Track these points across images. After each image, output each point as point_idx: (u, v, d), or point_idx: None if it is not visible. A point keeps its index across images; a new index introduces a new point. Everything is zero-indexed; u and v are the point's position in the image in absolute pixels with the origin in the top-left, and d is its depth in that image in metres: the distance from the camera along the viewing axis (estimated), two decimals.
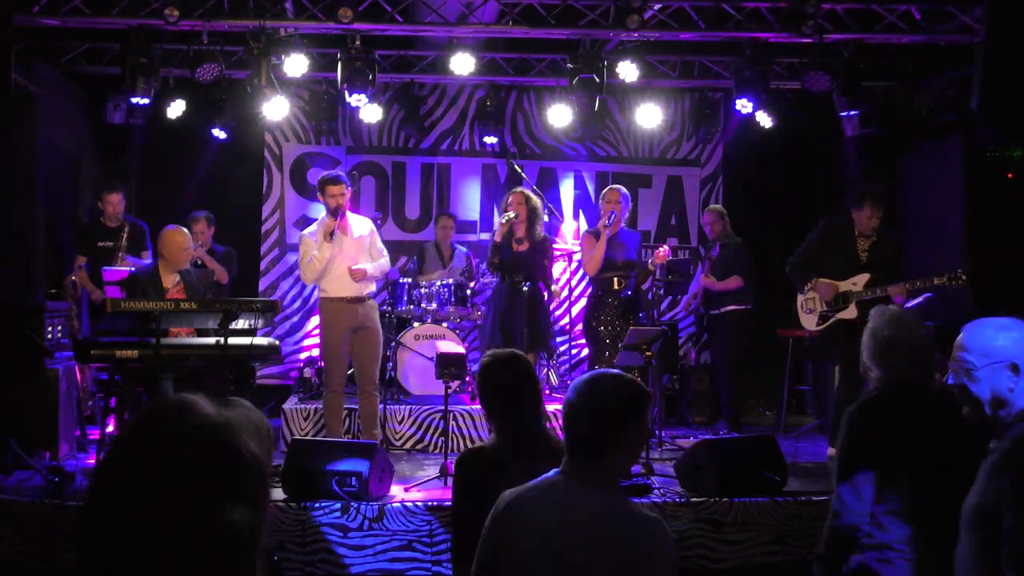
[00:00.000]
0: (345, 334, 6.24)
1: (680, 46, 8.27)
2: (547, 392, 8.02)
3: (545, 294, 7.14)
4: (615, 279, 6.64)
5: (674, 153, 9.52)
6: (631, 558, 2.21)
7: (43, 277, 6.97)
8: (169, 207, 8.24)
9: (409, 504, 5.08)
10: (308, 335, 8.98)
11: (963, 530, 2.33)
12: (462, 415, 6.91)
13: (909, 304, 6.61)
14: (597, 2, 7.18)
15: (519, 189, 7.07)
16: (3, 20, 6.46)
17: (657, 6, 7.13)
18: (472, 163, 9.35)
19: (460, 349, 7.11)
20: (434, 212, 9.21)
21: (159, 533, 1.07)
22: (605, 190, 6.91)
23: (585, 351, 8.39)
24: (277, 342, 6.11)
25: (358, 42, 7.05)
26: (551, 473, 2.38)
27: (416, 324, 7.52)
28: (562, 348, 8.73)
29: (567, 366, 8.76)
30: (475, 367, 7.81)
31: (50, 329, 6.38)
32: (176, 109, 8.05)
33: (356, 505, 4.96)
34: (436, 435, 6.89)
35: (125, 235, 7.30)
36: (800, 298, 6.57)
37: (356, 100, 7.24)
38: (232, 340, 5.36)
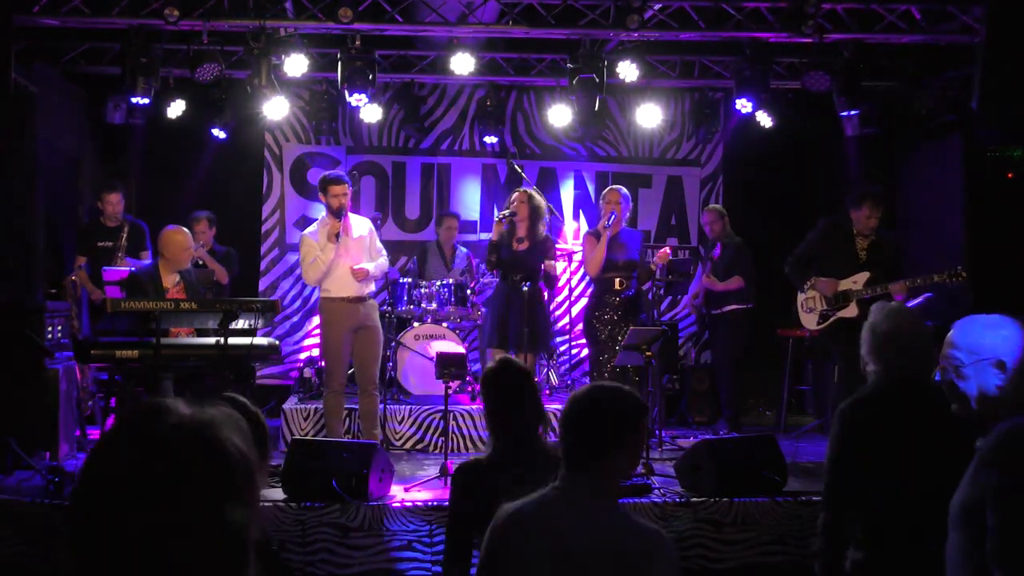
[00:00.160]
0: (346, 334, 6.24)
1: (680, 46, 8.26)
2: (547, 392, 8.02)
3: (545, 294, 7.14)
4: (616, 279, 6.64)
5: (674, 153, 9.52)
6: (633, 570, 2.21)
7: (43, 277, 6.97)
8: (169, 207, 8.24)
9: (409, 504, 5.08)
10: (308, 335, 8.98)
11: (951, 526, 2.34)
12: (462, 415, 6.91)
13: (910, 304, 6.61)
14: (597, 2, 7.18)
15: (522, 189, 7.07)
16: (3, 20, 6.46)
17: (657, 6, 7.13)
18: (472, 163, 9.35)
19: (460, 349, 7.13)
20: (434, 212, 9.21)
21: (147, 533, 1.06)
22: (605, 191, 6.91)
23: (585, 351, 8.39)
24: (277, 342, 6.12)
25: (358, 42, 7.05)
26: (550, 486, 2.38)
27: (416, 324, 7.52)
28: (562, 348, 8.73)
29: (567, 366, 8.76)
30: (475, 367, 7.88)
31: (50, 329, 6.38)
32: (176, 109, 8.05)
33: (356, 505, 4.96)
34: (436, 435, 6.89)
35: (125, 235, 7.31)
36: (800, 297, 6.57)
37: (356, 100, 7.24)
38: (232, 340, 5.36)
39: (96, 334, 6.11)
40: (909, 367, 2.97)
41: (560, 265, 8.99)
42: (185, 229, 6.19)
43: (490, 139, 9.01)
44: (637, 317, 6.72)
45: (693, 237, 9.45)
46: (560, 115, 8.37)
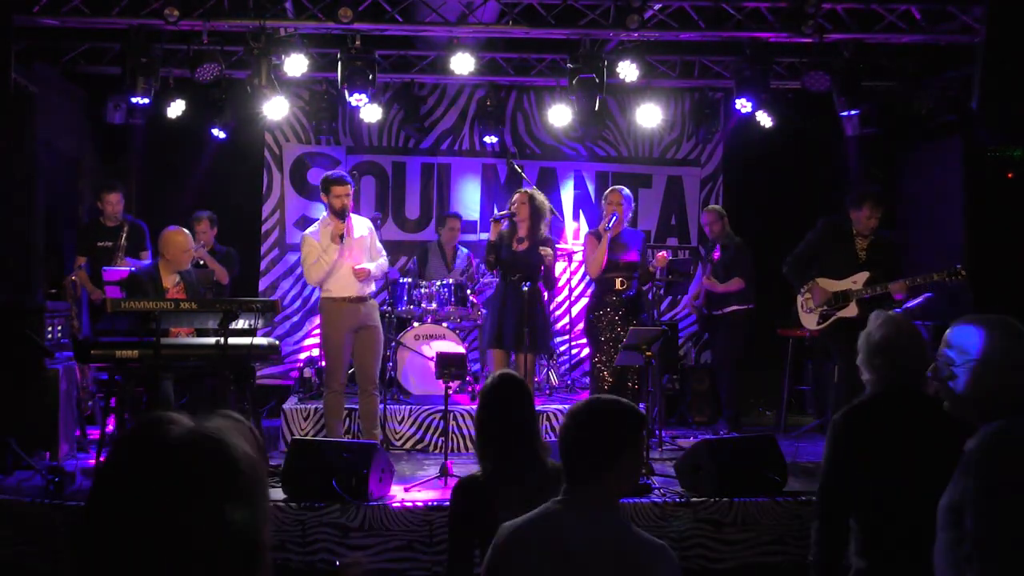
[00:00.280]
0: (347, 334, 6.24)
1: (680, 46, 8.26)
2: (547, 393, 8.02)
3: (545, 294, 7.13)
4: (618, 279, 6.64)
5: (674, 153, 9.52)
6: None
7: (43, 277, 6.97)
8: (169, 207, 8.25)
9: (409, 504, 5.08)
10: (308, 335, 8.98)
11: (938, 528, 2.35)
12: (462, 415, 6.91)
13: (910, 304, 6.61)
14: (597, 2, 7.18)
15: (524, 189, 7.05)
16: (3, 20, 6.46)
17: (657, 6, 7.13)
18: (472, 163, 9.35)
19: (460, 349, 7.13)
20: (434, 212, 9.22)
21: (161, 540, 1.07)
22: (607, 191, 6.90)
23: (585, 351, 8.39)
24: (277, 342, 6.12)
25: (358, 42, 7.05)
26: (551, 501, 2.37)
27: (416, 324, 7.52)
28: (562, 348, 8.73)
29: (567, 366, 8.76)
30: (475, 367, 7.88)
31: (50, 329, 6.38)
32: (176, 109, 8.05)
33: (356, 505, 4.96)
34: (436, 435, 6.89)
35: (124, 235, 7.31)
36: (800, 297, 6.57)
37: (356, 100, 7.24)
38: (232, 340, 5.36)
39: (96, 334, 6.11)
40: (902, 376, 2.96)
41: (560, 265, 9.01)
42: (185, 230, 6.19)
43: (490, 139, 9.01)
44: (638, 317, 6.71)
45: (693, 237, 9.45)
46: (560, 115, 8.37)
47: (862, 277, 6.24)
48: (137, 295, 5.76)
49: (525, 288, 6.62)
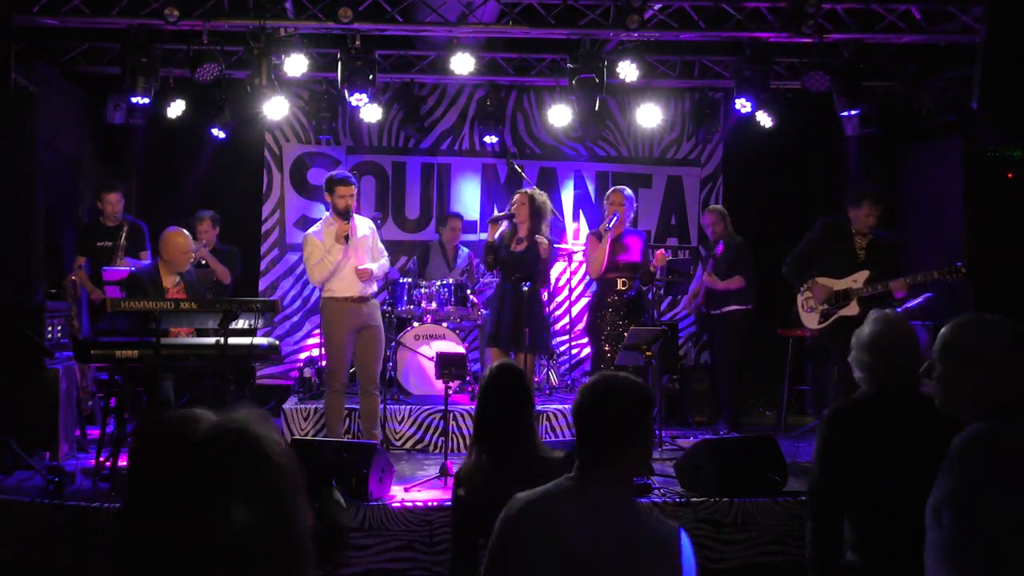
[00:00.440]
0: (349, 334, 6.24)
1: (680, 46, 8.26)
2: (547, 393, 8.02)
3: (545, 295, 7.12)
4: (619, 280, 6.63)
5: (674, 153, 9.52)
6: (647, 566, 2.19)
7: (43, 277, 6.96)
8: (169, 207, 8.25)
9: (409, 504, 5.08)
10: (308, 335, 8.98)
11: (927, 526, 2.36)
12: (462, 415, 6.91)
13: (910, 304, 6.62)
14: (597, 2, 7.18)
15: (524, 189, 7.04)
16: (3, 20, 6.45)
17: (657, 6, 7.13)
18: (472, 163, 9.35)
19: (460, 349, 7.14)
20: (434, 212, 9.22)
21: (203, 535, 1.07)
22: (609, 191, 6.88)
23: (585, 351, 8.39)
24: (277, 342, 6.11)
25: (358, 42, 7.05)
26: (564, 477, 2.35)
27: (416, 324, 7.52)
28: (562, 348, 8.73)
29: (567, 366, 8.76)
30: (475, 367, 7.88)
31: (50, 329, 6.38)
32: (176, 109, 8.05)
33: (356, 505, 4.96)
34: (436, 435, 6.89)
35: (124, 235, 7.31)
36: (800, 297, 6.57)
37: (356, 100, 7.24)
38: (232, 340, 5.36)
39: (96, 334, 6.10)
40: (893, 374, 2.96)
41: (560, 265, 9.01)
42: (185, 231, 6.18)
43: (490, 139, 9.01)
44: (640, 317, 6.71)
45: (693, 237, 9.45)
46: (560, 115, 8.38)
47: (862, 276, 6.25)
48: (137, 295, 5.76)
49: (525, 288, 6.61)
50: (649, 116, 8.46)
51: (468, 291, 7.67)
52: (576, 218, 9.41)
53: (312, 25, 7.11)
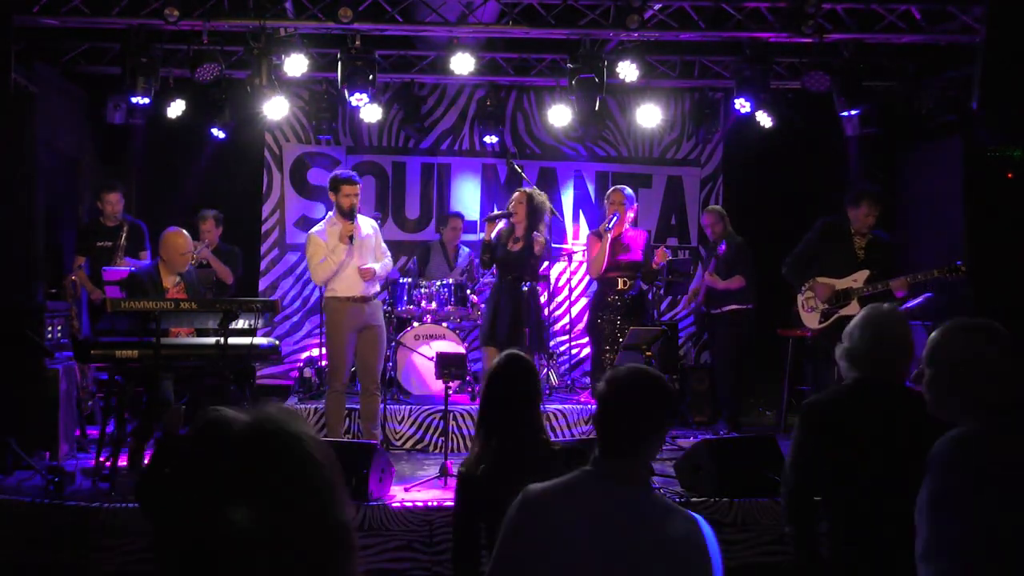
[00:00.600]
0: (351, 334, 6.24)
1: (680, 46, 8.26)
2: (547, 393, 8.02)
3: (544, 296, 7.12)
4: (619, 279, 6.63)
5: (674, 153, 9.52)
6: (677, 556, 2.18)
7: (43, 277, 6.96)
8: (169, 207, 8.25)
9: (409, 504, 5.08)
10: (308, 335, 8.98)
11: (916, 525, 2.37)
12: (462, 415, 6.91)
13: (910, 304, 6.62)
14: (597, 2, 7.18)
15: (523, 188, 7.04)
16: (3, 20, 6.45)
17: (657, 6, 7.13)
18: (472, 163, 9.35)
19: (460, 349, 7.13)
20: (434, 212, 9.22)
21: (252, 536, 1.07)
22: (609, 191, 6.88)
23: (586, 351, 8.39)
24: (277, 342, 6.12)
25: (358, 42, 7.05)
26: (580, 470, 2.33)
27: (416, 324, 7.52)
28: (562, 348, 8.73)
29: (567, 366, 8.75)
30: (475, 367, 7.87)
31: (50, 329, 6.38)
32: (176, 109, 8.05)
33: (356, 505, 4.96)
34: (436, 435, 6.89)
35: (124, 235, 7.31)
36: (800, 297, 6.57)
37: (356, 100, 7.24)
38: (232, 340, 5.36)
39: (96, 334, 6.11)
40: (872, 368, 2.94)
41: (560, 265, 9.01)
42: (185, 232, 6.18)
43: (490, 139, 9.01)
44: (641, 316, 6.70)
45: (693, 237, 9.45)
46: (560, 115, 8.37)
47: (862, 275, 6.26)
48: (137, 295, 5.76)
49: (525, 288, 6.62)
50: (649, 116, 8.46)
51: (468, 291, 7.67)
52: (576, 218, 9.41)
53: (312, 25, 7.11)
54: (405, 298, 7.54)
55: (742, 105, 7.53)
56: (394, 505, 5.06)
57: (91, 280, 7.17)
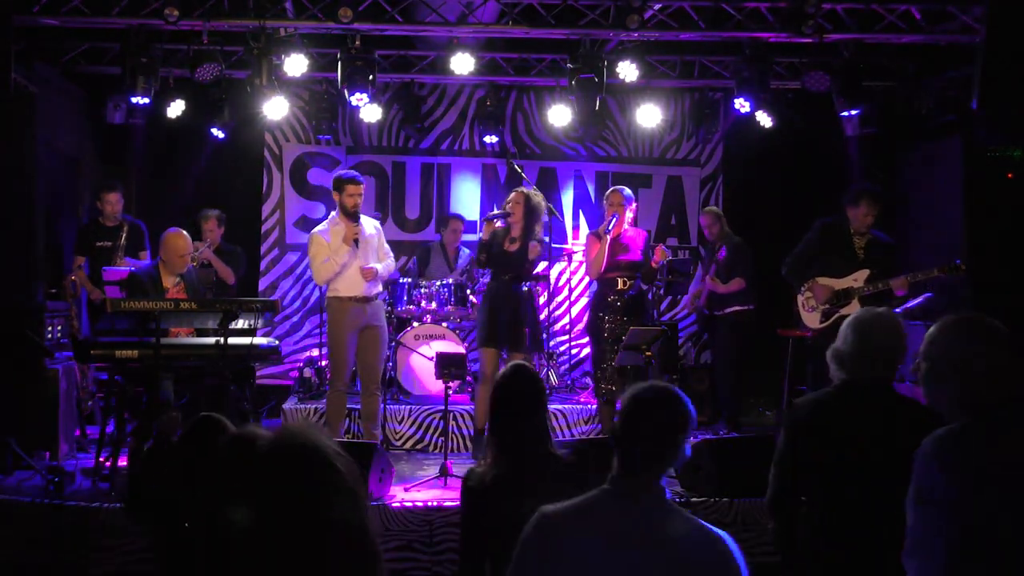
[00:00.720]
0: (352, 334, 6.24)
1: (680, 46, 8.26)
2: (547, 393, 8.00)
3: (543, 296, 7.11)
4: (619, 279, 6.63)
5: (674, 153, 9.52)
6: (711, 570, 2.19)
7: (43, 277, 6.97)
8: (169, 207, 8.25)
9: (409, 504, 5.08)
10: (308, 335, 8.98)
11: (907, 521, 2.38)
12: (462, 415, 6.91)
13: (910, 303, 6.62)
14: (597, 2, 7.18)
15: (520, 189, 7.01)
16: (3, 20, 6.46)
17: (657, 6, 7.13)
18: (472, 163, 9.35)
19: (460, 349, 7.14)
20: (434, 212, 9.22)
21: (286, 547, 1.08)
22: (608, 192, 6.87)
23: (585, 351, 8.38)
24: (277, 342, 6.12)
25: (358, 42, 7.05)
26: (598, 489, 2.32)
27: (416, 324, 7.52)
28: (562, 348, 8.73)
29: (567, 366, 8.75)
30: (475, 367, 7.87)
31: (50, 329, 6.38)
32: (176, 109, 8.05)
33: None
34: (436, 435, 6.89)
35: (124, 235, 7.31)
36: (801, 297, 6.57)
37: (356, 100, 7.24)
38: (232, 340, 5.36)
39: (96, 334, 6.11)
40: (858, 370, 2.94)
41: (560, 265, 9.01)
42: (184, 233, 6.18)
43: (490, 139, 9.01)
44: (641, 316, 6.69)
45: (693, 237, 9.45)
46: (560, 115, 8.37)
47: (862, 275, 6.25)
48: (137, 295, 5.77)
49: (525, 288, 6.61)
50: (649, 116, 8.46)
51: (468, 291, 7.67)
52: (576, 218, 9.41)
53: (312, 25, 7.11)
54: (405, 298, 7.54)
55: (742, 105, 7.53)
56: (394, 505, 5.06)
57: (91, 280, 7.17)
